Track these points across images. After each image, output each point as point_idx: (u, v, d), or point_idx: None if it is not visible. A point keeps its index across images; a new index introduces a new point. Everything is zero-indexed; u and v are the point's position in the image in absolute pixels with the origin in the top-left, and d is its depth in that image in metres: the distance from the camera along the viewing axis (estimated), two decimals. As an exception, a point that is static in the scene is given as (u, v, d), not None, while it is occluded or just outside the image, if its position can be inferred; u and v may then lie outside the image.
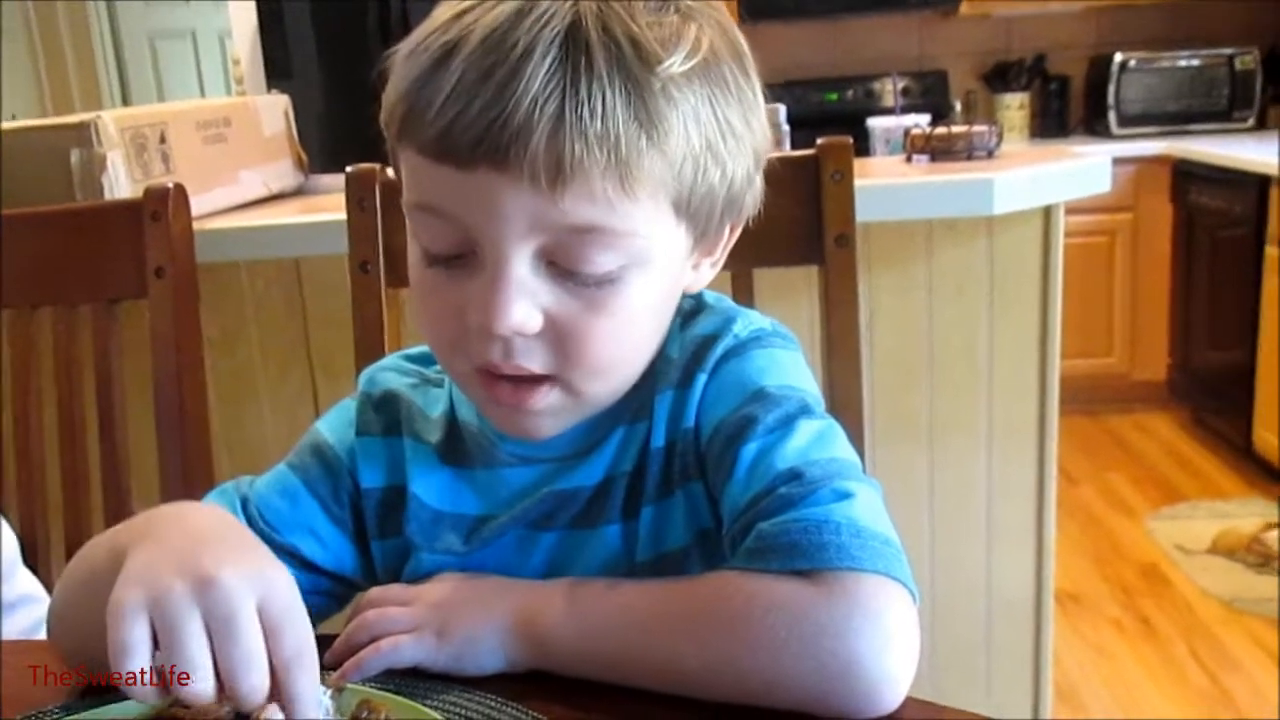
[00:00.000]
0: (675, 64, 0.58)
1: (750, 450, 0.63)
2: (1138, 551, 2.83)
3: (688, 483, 0.68)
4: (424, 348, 0.79)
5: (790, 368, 0.69)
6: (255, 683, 0.50)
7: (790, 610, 0.56)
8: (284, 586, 0.53)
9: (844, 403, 1.04)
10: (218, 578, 0.50)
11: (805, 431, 0.64)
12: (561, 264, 0.60)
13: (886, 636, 0.55)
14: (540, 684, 0.60)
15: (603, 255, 0.60)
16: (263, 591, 0.51)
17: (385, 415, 0.75)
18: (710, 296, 0.73)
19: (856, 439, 1.02)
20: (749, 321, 0.70)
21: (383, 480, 0.74)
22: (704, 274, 0.71)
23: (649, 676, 0.59)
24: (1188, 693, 2.21)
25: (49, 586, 1.07)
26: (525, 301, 0.60)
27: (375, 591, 0.67)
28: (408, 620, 0.63)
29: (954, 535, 1.70)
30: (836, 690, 0.55)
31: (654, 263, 0.62)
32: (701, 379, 0.68)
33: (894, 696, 0.55)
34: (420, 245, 0.63)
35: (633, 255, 0.61)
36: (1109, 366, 3.74)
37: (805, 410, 0.65)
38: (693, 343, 0.69)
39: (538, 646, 0.61)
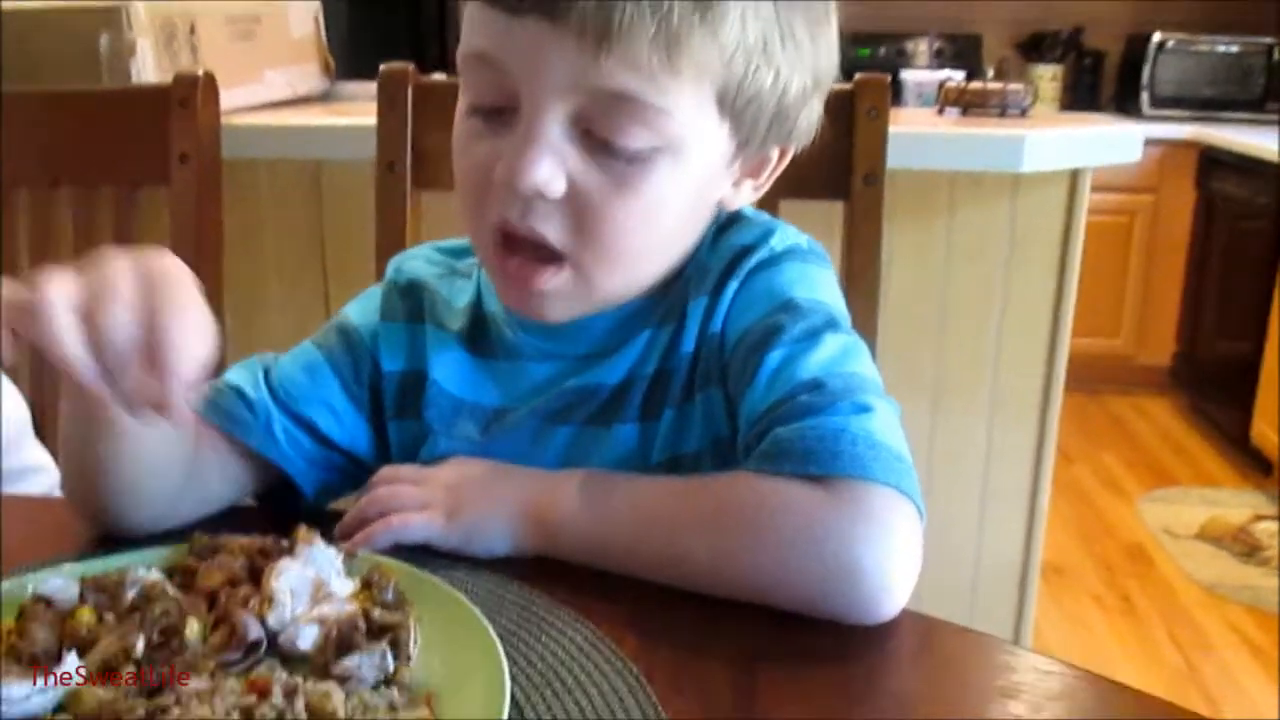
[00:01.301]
0: None
1: (774, 358, 0.63)
2: (1126, 531, 2.85)
3: (708, 388, 0.69)
4: (455, 241, 0.79)
5: (822, 283, 0.69)
6: (117, 311, 0.49)
7: (799, 513, 0.57)
8: (170, 260, 0.52)
9: (856, 343, 1.04)
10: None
11: (831, 345, 0.64)
12: (595, 133, 0.60)
13: (891, 547, 0.56)
14: (545, 569, 0.61)
15: (637, 129, 0.60)
16: (145, 261, 0.51)
17: (410, 302, 0.76)
18: (748, 210, 0.73)
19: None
20: (786, 235, 0.70)
21: (403, 364, 0.75)
22: (744, 194, 0.71)
23: (655, 569, 0.60)
24: (1161, 671, 2.23)
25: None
26: (552, 161, 0.60)
27: (388, 469, 0.68)
28: (419, 499, 0.64)
29: (948, 495, 1.71)
30: (837, 594, 0.56)
31: (688, 155, 0.62)
32: (733, 286, 0.68)
33: (892, 605, 0.56)
34: (467, 97, 0.64)
35: (667, 138, 0.61)
36: (1115, 348, 3.74)
37: (832, 324, 0.66)
38: (729, 251, 0.69)
39: (546, 533, 0.62)
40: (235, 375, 0.73)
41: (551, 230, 0.62)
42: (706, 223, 0.70)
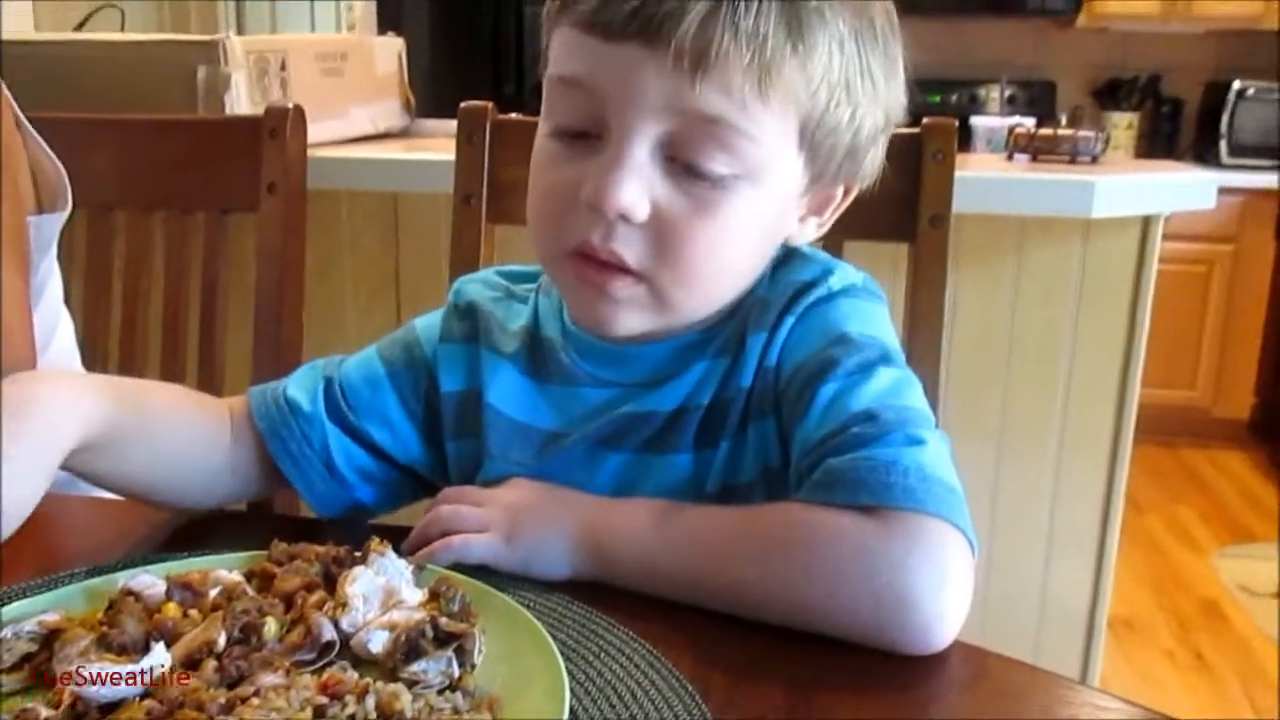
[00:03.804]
0: None
1: (828, 390, 0.65)
2: (1200, 586, 2.77)
3: (762, 419, 0.70)
4: (518, 266, 0.82)
5: (876, 319, 0.70)
6: None
7: (851, 543, 0.57)
8: None
9: (919, 384, 1.04)
10: None
11: (884, 378, 0.65)
12: (680, 158, 0.62)
13: (943, 577, 0.56)
14: (604, 592, 0.62)
15: (722, 155, 0.62)
16: None
17: (467, 324, 0.79)
18: (806, 248, 0.75)
19: (928, 422, 1.03)
20: (845, 275, 0.72)
21: (462, 384, 0.77)
22: (808, 230, 0.73)
23: (709, 596, 0.61)
24: (1235, 731, 2.17)
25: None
26: (638, 185, 0.62)
27: (451, 490, 0.70)
28: (480, 520, 0.65)
29: (1014, 540, 1.68)
30: (890, 624, 0.56)
31: (766, 183, 0.64)
32: (789, 322, 0.69)
33: (944, 636, 0.57)
34: (552, 120, 0.66)
35: (750, 166, 0.63)
36: (1191, 399, 3.66)
37: (886, 358, 0.67)
38: (789, 287, 0.70)
39: (602, 559, 0.64)
40: (295, 387, 0.77)
41: (631, 252, 0.64)
42: (772, 255, 0.72)
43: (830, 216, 0.73)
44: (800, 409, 0.66)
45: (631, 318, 0.67)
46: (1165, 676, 2.37)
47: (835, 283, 0.71)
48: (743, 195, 0.64)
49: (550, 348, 0.75)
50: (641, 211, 0.62)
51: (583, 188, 0.63)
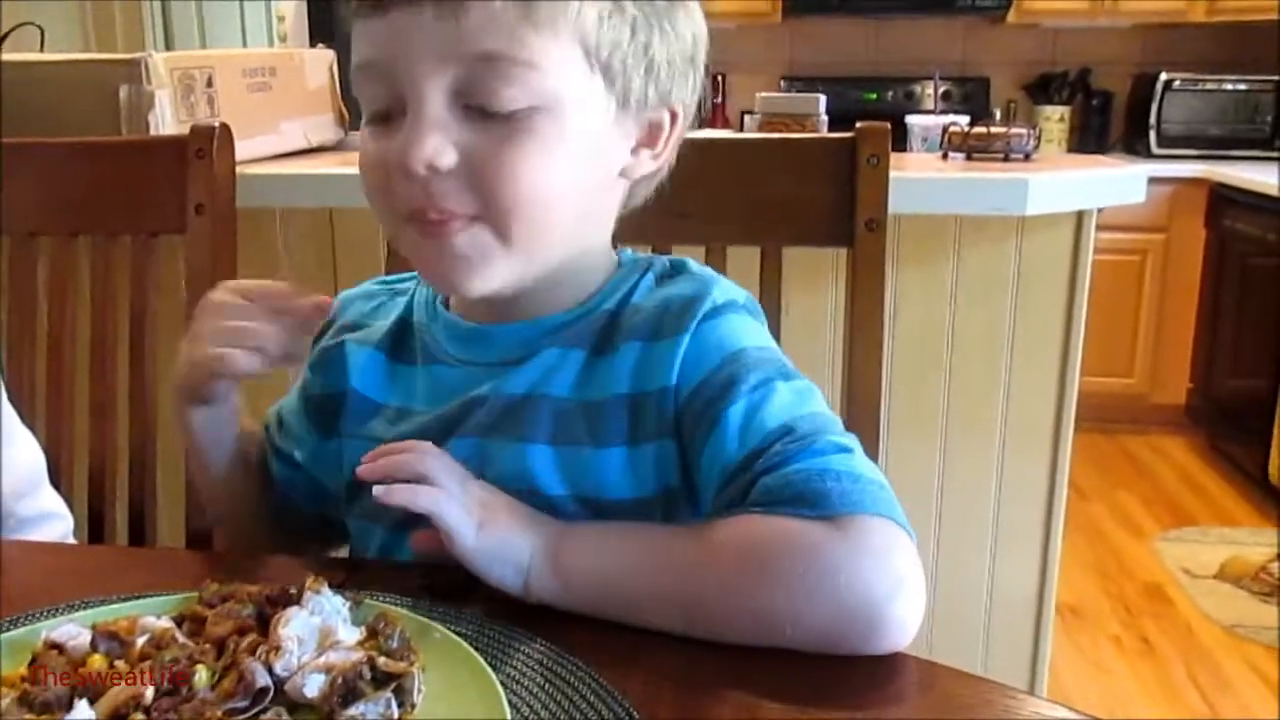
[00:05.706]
0: None
1: (737, 411, 0.65)
2: (1143, 571, 2.82)
3: (662, 438, 0.69)
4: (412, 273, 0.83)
5: (762, 336, 0.71)
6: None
7: (806, 548, 0.58)
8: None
9: (862, 388, 1.05)
10: None
11: (786, 391, 0.66)
12: (474, 101, 0.63)
13: (898, 575, 0.57)
14: (550, 616, 0.62)
15: (510, 89, 0.63)
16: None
17: (335, 326, 0.82)
18: (694, 265, 0.76)
19: (872, 425, 1.04)
20: (726, 289, 0.72)
21: (322, 388, 0.80)
22: (644, 162, 0.72)
23: (667, 614, 0.60)
24: (1182, 713, 2.21)
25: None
26: (439, 136, 0.63)
27: (434, 452, 0.66)
28: (458, 498, 0.63)
29: (960, 534, 1.70)
30: (852, 625, 0.57)
31: (566, 111, 0.65)
32: (684, 340, 0.69)
33: (903, 636, 0.57)
34: (365, 112, 0.68)
35: (541, 96, 0.64)
36: (1128, 386, 3.73)
37: (783, 372, 0.68)
38: (670, 301, 0.70)
39: (561, 576, 0.62)
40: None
41: (456, 202, 0.64)
42: (618, 194, 0.73)
43: (665, 147, 0.72)
44: (705, 428, 0.66)
45: (483, 269, 0.67)
46: (1113, 662, 2.41)
47: (719, 296, 0.71)
48: (544, 126, 0.64)
49: (417, 331, 0.77)
50: (447, 159, 0.63)
51: (392, 157, 0.64)
